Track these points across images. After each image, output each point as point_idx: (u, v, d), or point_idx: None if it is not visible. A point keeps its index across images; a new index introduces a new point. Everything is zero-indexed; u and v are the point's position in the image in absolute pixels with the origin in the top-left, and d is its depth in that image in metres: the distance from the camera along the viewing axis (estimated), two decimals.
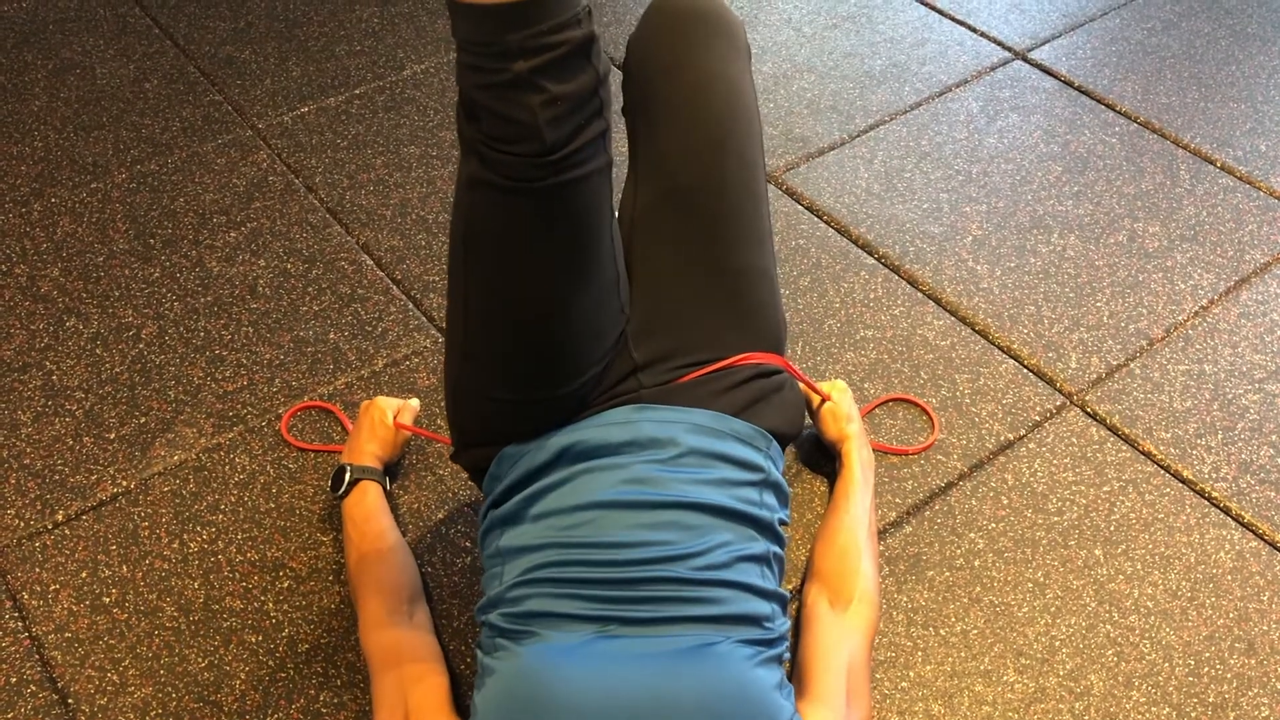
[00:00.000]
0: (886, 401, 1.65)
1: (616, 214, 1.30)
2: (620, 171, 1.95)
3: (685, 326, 1.22)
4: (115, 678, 1.34)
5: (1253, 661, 1.37)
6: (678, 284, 1.23)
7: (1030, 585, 1.44)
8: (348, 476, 1.41)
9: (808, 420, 1.59)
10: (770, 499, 1.21)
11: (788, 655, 1.14)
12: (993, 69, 2.31)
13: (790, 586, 1.42)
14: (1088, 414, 1.65)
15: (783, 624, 1.14)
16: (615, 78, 2.26)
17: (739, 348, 1.24)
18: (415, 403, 1.53)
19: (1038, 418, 1.64)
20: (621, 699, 1.01)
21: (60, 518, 1.50)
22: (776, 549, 1.19)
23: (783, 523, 1.23)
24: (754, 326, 1.26)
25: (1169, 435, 1.62)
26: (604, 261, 1.14)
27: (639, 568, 1.09)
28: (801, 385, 1.55)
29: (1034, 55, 2.35)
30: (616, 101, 2.05)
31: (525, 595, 1.11)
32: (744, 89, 1.27)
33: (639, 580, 1.09)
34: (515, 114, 0.97)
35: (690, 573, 1.09)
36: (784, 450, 1.30)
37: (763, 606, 1.12)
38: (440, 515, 1.50)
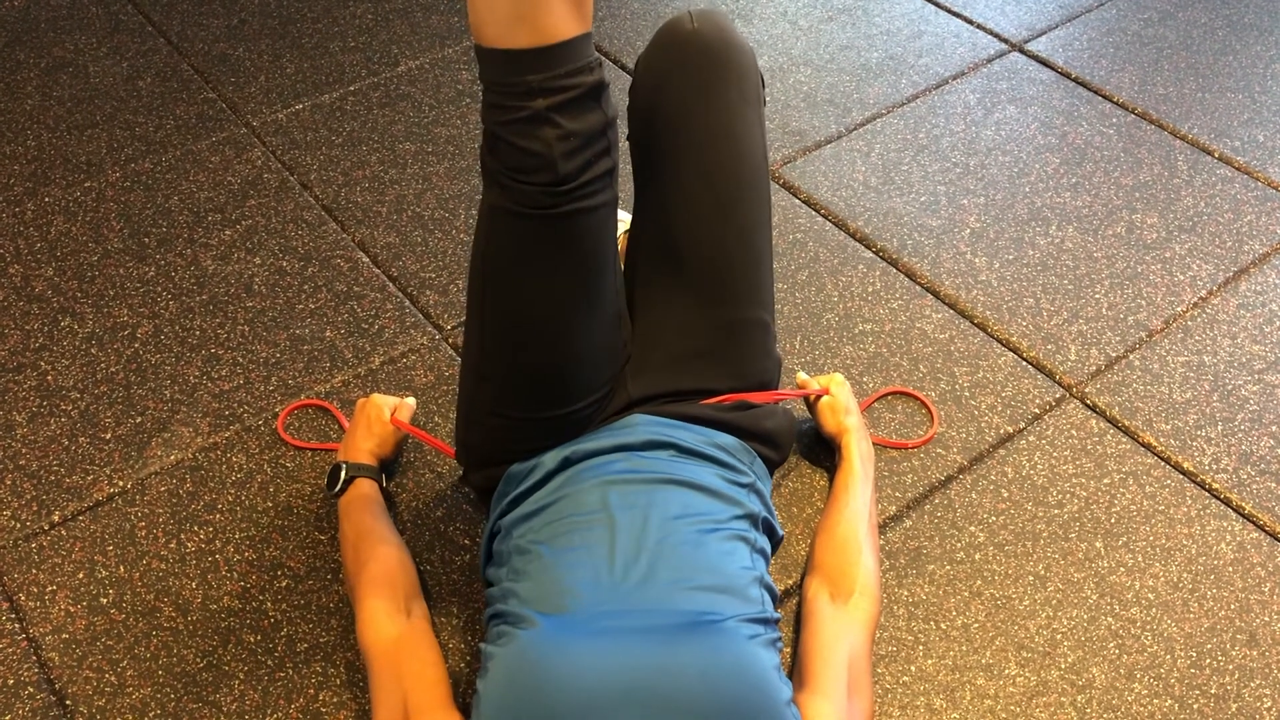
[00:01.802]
0: (886, 395, 1.65)
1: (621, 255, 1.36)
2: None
3: (678, 371, 1.31)
4: (113, 678, 1.33)
5: (1254, 653, 1.36)
6: (672, 331, 1.31)
7: (1031, 578, 1.44)
8: (343, 474, 1.41)
9: (805, 415, 1.59)
10: (756, 502, 1.27)
11: (783, 645, 1.15)
12: (989, 61, 2.31)
13: (790, 582, 1.42)
14: (1087, 406, 1.64)
15: (775, 613, 1.16)
16: (615, 73, 2.25)
17: (727, 390, 1.33)
18: (411, 401, 1.53)
19: (1037, 410, 1.64)
20: (622, 674, 1.02)
21: (57, 518, 1.49)
22: (764, 545, 1.24)
23: (769, 525, 1.26)
24: (745, 374, 1.34)
25: (1169, 427, 1.61)
26: (607, 291, 1.22)
27: (637, 531, 1.14)
28: (798, 382, 1.55)
29: (1030, 47, 2.34)
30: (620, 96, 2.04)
31: (525, 573, 1.14)
32: (752, 146, 1.30)
33: (639, 548, 1.13)
34: (532, 146, 1.07)
35: (685, 535, 1.14)
36: (771, 476, 1.37)
37: (753, 589, 1.15)
38: (439, 513, 1.50)
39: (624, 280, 1.34)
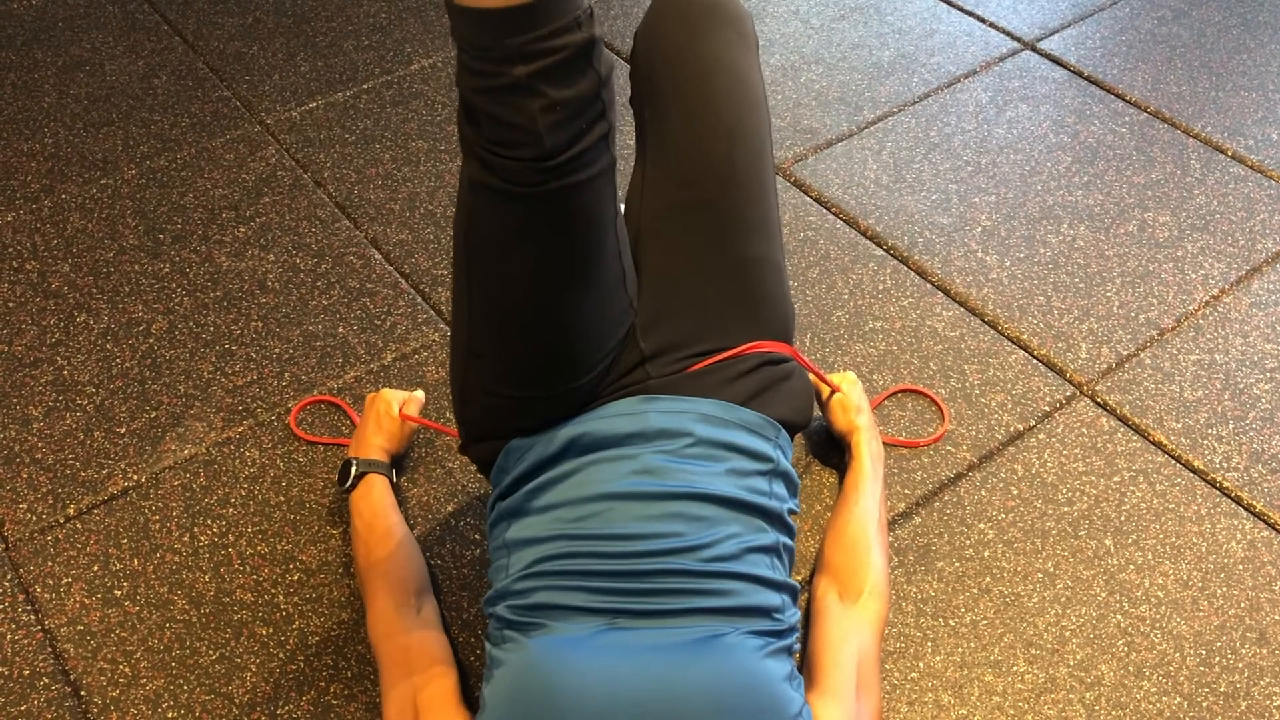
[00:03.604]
0: (896, 393, 1.65)
1: (624, 205, 1.30)
2: (627, 161, 1.95)
3: (692, 317, 1.22)
4: (127, 670, 1.34)
5: (1264, 651, 1.36)
6: (685, 275, 1.23)
7: (1040, 576, 1.44)
8: (354, 470, 1.42)
9: (817, 411, 1.59)
10: (780, 488, 1.21)
11: (798, 646, 1.13)
12: (1001, 59, 2.30)
13: (800, 578, 1.42)
14: (1098, 404, 1.64)
15: (793, 615, 1.14)
16: (621, 69, 2.26)
17: (746, 337, 1.23)
18: (420, 394, 1.53)
19: (1047, 408, 1.64)
20: (629, 690, 1.01)
21: (72, 512, 1.51)
22: (786, 540, 1.19)
23: (792, 512, 1.22)
24: (762, 316, 1.25)
25: (1179, 425, 1.61)
26: (608, 261, 1.13)
27: (647, 559, 1.09)
28: (811, 375, 1.54)
29: (1043, 45, 2.34)
30: (623, 94, 2.05)
31: (532, 588, 1.10)
32: (751, 78, 1.27)
33: (648, 572, 1.09)
34: (514, 119, 0.96)
35: (699, 565, 1.09)
36: (793, 439, 1.30)
37: (773, 598, 1.12)
38: (449, 508, 1.51)
39: (630, 233, 1.25)
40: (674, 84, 1.24)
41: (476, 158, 1.02)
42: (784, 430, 1.25)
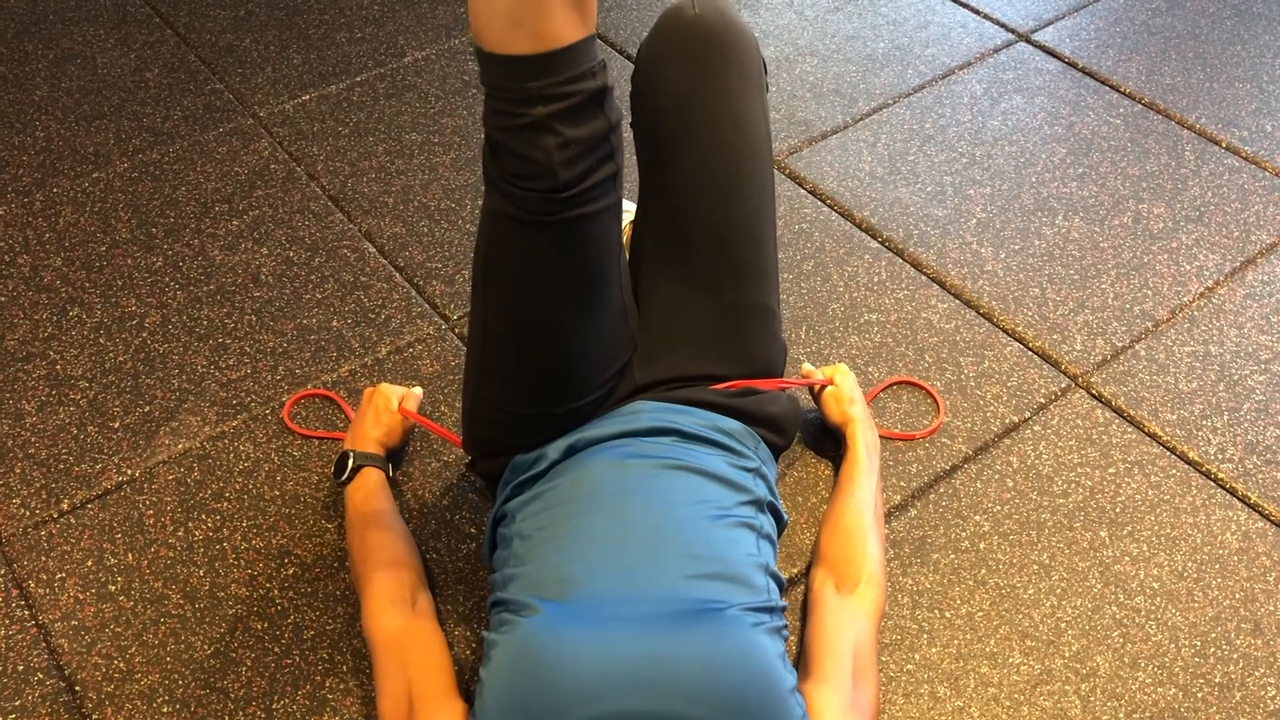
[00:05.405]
0: (891, 385, 1.65)
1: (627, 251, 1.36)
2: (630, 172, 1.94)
3: (685, 358, 1.32)
4: (122, 665, 1.34)
5: (1259, 642, 1.36)
6: (680, 318, 1.32)
7: (1035, 567, 1.44)
8: (350, 463, 1.42)
9: (810, 406, 1.59)
10: (763, 487, 1.27)
11: (788, 634, 1.15)
12: (996, 51, 2.30)
13: (796, 572, 1.42)
14: (1093, 396, 1.64)
15: (780, 600, 1.16)
16: (620, 63, 2.25)
17: (736, 378, 1.33)
18: (419, 390, 1.54)
19: (1042, 400, 1.64)
20: (624, 662, 1.02)
21: (65, 507, 1.50)
22: (770, 531, 1.24)
23: (775, 509, 1.26)
24: (751, 360, 1.35)
25: (1174, 417, 1.61)
26: (611, 293, 1.22)
27: (641, 514, 1.14)
28: (802, 371, 1.55)
29: (1037, 37, 2.34)
30: (623, 94, 2.04)
31: (531, 569, 1.14)
32: (755, 129, 1.30)
33: (642, 534, 1.13)
34: (532, 154, 1.06)
35: (691, 521, 1.14)
36: (776, 460, 1.38)
37: (759, 577, 1.15)
38: (445, 502, 1.50)
39: (630, 267, 1.34)
40: (675, 132, 1.28)
41: (497, 189, 1.11)
42: (764, 444, 1.33)
